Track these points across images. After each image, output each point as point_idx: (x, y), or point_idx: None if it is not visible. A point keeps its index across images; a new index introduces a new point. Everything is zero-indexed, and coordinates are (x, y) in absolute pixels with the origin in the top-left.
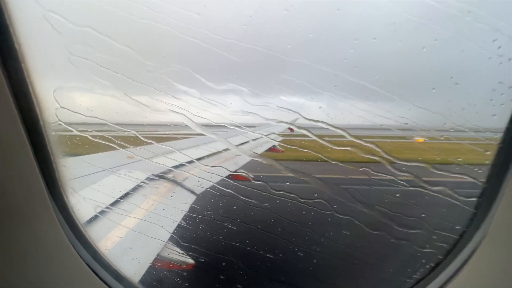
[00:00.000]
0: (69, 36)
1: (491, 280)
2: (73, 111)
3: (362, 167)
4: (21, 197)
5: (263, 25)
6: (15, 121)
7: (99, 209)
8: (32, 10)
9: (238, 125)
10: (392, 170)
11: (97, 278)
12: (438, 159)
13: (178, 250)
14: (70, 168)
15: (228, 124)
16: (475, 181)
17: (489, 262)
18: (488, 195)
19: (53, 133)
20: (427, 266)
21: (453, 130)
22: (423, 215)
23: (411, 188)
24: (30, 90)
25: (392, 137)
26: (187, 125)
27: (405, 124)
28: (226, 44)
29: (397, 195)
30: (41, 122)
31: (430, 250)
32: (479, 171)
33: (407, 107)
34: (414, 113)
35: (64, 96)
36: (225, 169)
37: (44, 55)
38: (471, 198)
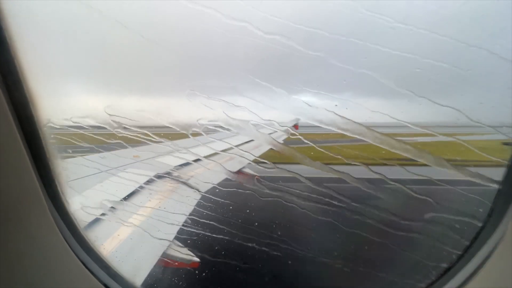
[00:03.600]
0: (65, 31)
1: (508, 284)
2: (70, 111)
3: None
4: (18, 198)
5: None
6: (9, 121)
7: (98, 210)
8: (24, 5)
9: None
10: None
11: (94, 278)
12: (454, 157)
13: (180, 250)
14: (68, 169)
15: (230, 123)
16: (491, 182)
17: (506, 265)
18: (504, 196)
19: (49, 132)
20: (441, 268)
21: (468, 125)
22: (437, 214)
23: (425, 187)
24: (24, 88)
25: (405, 135)
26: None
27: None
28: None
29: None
30: (37, 122)
31: (444, 250)
32: (495, 171)
33: (420, 103)
34: (427, 109)
35: (60, 95)
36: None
37: (38, 52)
38: (487, 199)
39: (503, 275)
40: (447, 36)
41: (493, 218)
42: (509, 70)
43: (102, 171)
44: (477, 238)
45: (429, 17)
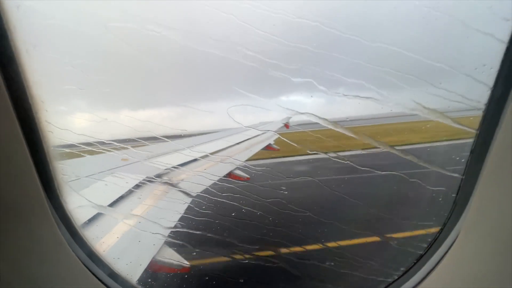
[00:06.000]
0: (68, 41)
1: (467, 273)
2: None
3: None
4: (18, 197)
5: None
6: (12, 122)
7: (95, 210)
8: (31, 15)
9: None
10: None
11: (93, 277)
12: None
13: (175, 251)
14: (66, 169)
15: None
16: (454, 175)
17: (464, 256)
18: (465, 190)
19: (50, 135)
20: (409, 261)
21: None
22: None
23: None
24: (27, 92)
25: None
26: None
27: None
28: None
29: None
30: (38, 123)
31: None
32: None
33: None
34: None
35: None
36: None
37: (43, 60)
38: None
39: (460, 267)
40: (413, 52)
41: (454, 212)
42: (469, 83)
43: (101, 172)
44: (442, 231)
45: (398, 36)
